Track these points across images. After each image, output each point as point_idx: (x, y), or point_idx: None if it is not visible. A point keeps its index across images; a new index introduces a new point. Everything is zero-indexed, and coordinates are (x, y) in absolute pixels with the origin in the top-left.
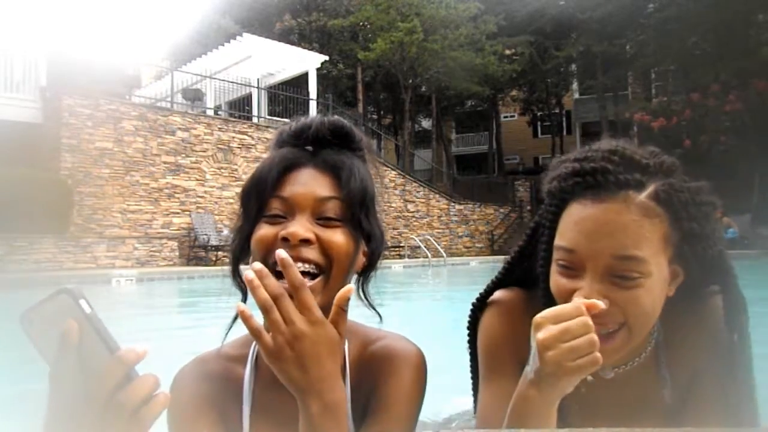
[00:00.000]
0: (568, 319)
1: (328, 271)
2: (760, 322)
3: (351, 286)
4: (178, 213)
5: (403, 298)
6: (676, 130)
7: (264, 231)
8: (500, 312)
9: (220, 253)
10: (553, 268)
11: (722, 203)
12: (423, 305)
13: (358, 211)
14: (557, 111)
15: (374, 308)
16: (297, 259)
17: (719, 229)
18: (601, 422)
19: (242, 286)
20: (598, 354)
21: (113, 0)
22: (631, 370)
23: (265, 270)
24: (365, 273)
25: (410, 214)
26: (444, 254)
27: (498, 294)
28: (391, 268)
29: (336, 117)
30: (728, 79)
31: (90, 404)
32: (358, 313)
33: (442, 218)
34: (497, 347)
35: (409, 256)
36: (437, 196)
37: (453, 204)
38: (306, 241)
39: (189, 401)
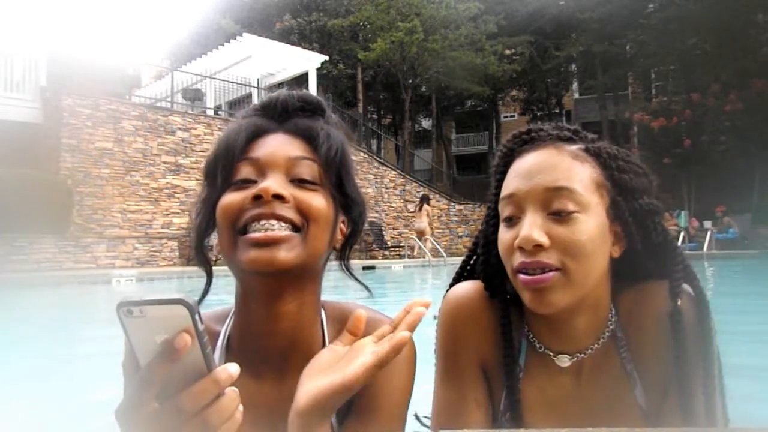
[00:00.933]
0: None
1: (305, 229)
2: (760, 322)
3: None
4: (178, 213)
5: (404, 298)
6: (676, 130)
7: (230, 197)
8: (457, 306)
9: None
10: (501, 229)
11: (722, 203)
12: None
13: (337, 174)
14: (557, 111)
15: (362, 284)
16: (271, 216)
17: (658, 206)
18: (572, 425)
19: (207, 268)
20: None
21: (113, 0)
22: (593, 362)
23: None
24: (347, 243)
25: (410, 214)
26: (444, 254)
27: (457, 287)
28: (391, 268)
29: (304, 91)
30: (728, 79)
31: (176, 417)
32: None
33: (442, 218)
34: (454, 345)
35: (409, 256)
36: (437, 196)
37: (453, 204)
38: (280, 198)
39: None
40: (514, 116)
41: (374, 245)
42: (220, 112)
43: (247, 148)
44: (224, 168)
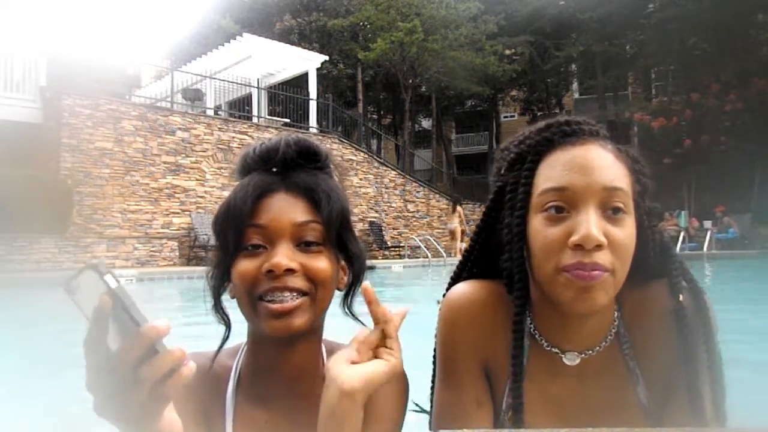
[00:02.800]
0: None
1: (313, 293)
2: (759, 322)
3: None
4: (178, 213)
5: (404, 298)
6: (676, 130)
7: (245, 265)
8: (458, 306)
9: None
10: (539, 222)
11: (722, 203)
12: (423, 305)
13: (339, 233)
14: (557, 111)
15: (363, 324)
16: (284, 289)
17: (657, 207)
18: (574, 424)
19: (225, 319)
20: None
21: (113, 0)
22: (597, 360)
23: None
24: (349, 291)
25: (410, 214)
26: (444, 254)
27: (456, 287)
28: (391, 268)
29: (300, 137)
30: (728, 79)
31: (114, 375)
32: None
33: (442, 218)
34: (454, 345)
35: (409, 256)
36: (437, 196)
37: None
38: (290, 271)
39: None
40: (514, 116)
41: (374, 245)
42: (220, 112)
43: (253, 209)
44: (234, 234)
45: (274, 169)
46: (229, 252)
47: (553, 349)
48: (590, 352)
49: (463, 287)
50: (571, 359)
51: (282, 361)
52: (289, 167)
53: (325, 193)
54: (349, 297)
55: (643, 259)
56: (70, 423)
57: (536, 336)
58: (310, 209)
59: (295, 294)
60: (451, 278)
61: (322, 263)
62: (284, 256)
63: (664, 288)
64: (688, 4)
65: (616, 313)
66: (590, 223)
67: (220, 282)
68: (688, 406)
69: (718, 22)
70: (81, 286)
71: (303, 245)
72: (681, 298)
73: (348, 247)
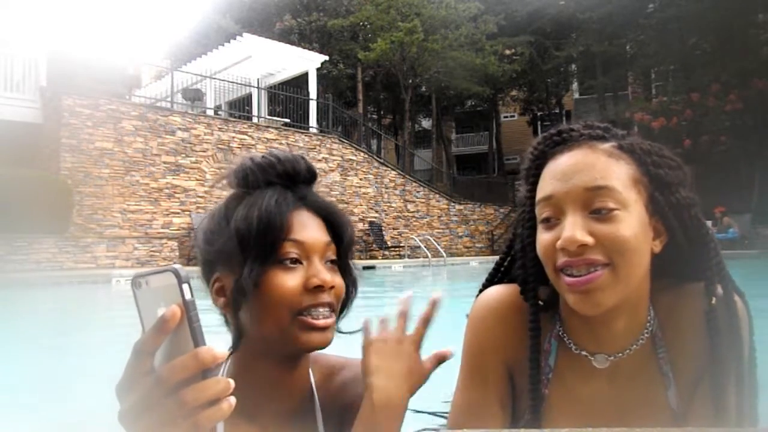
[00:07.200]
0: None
1: (335, 309)
2: (759, 323)
3: None
4: (178, 213)
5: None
6: (676, 130)
7: (285, 279)
8: (487, 308)
9: None
10: (539, 230)
11: (722, 203)
12: (422, 305)
13: (348, 257)
14: (557, 111)
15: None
16: (327, 305)
17: (694, 198)
18: (600, 425)
19: (240, 332)
20: None
21: (113, 0)
22: (629, 363)
23: None
24: (342, 309)
25: (410, 214)
26: (444, 254)
27: (487, 290)
28: (391, 268)
29: (300, 156)
30: (728, 79)
31: (155, 389)
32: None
33: (442, 218)
34: (480, 347)
35: (409, 256)
36: (437, 196)
37: (453, 204)
38: (332, 287)
39: None
40: (514, 116)
41: (374, 245)
42: (220, 112)
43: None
44: (272, 245)
45: (290, 190)
46: (258, 264)
47: (582, 353)
48: (620, 354)
49: (492, 291)
50: (600, 362)
51: (280, 377)
52: (297, 183)
53: (341, 216)
54: (342, 314)
55: (674, 255)
56: (66, 419)
57: (564, 339)
58: (327, 229)
59: (329, 309)
60: (483, 284)
61: (339, 280)
62: (326, 273)
63: (699, 290)
64: (688, 4)
65: (650, 314)
66: (571, 226)
67: (248, 293)
68: (714, 413)
69: (718, 22)
70: (150, 284)
71: (327, 263)
72: (713, 301)
73: (350, 271)
